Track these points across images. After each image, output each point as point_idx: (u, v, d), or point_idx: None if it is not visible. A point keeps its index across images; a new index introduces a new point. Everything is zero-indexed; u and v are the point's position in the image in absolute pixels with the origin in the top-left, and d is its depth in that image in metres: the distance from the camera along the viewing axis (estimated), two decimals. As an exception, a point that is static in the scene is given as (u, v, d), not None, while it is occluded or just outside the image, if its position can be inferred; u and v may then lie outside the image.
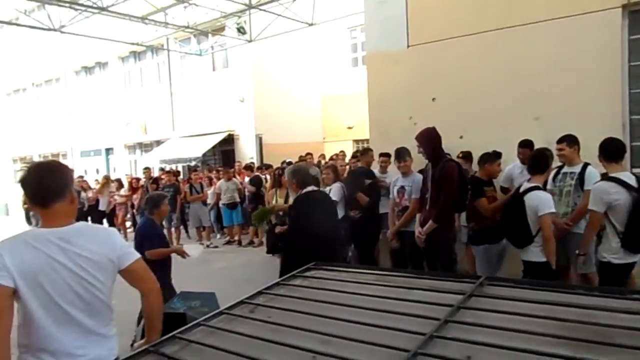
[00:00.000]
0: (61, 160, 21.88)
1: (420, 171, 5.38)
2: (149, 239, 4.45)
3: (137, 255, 2.07)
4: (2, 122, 24.97)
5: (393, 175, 5.90)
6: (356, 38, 17.10)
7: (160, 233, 4.74)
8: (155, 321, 2.08)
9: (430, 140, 4.45)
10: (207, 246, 9.82)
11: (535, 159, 4.03)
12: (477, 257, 4.87)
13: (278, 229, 6.21)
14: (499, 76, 6.60)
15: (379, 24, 7.68)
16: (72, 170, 2.12)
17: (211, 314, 1.87)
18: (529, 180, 3.97)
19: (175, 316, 2.71)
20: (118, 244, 2.01)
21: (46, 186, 1.89)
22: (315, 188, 4.50)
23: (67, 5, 12.59)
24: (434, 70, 7.20)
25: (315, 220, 4.10)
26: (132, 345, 2.87)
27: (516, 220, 3.80)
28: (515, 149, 5.66)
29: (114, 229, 2.10)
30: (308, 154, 11.27)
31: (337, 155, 11.35)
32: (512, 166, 5.66)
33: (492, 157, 4.95)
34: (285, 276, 2.34)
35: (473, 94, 6.89)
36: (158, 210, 4.62)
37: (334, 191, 6.07)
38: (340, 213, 6.05)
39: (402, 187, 5.17)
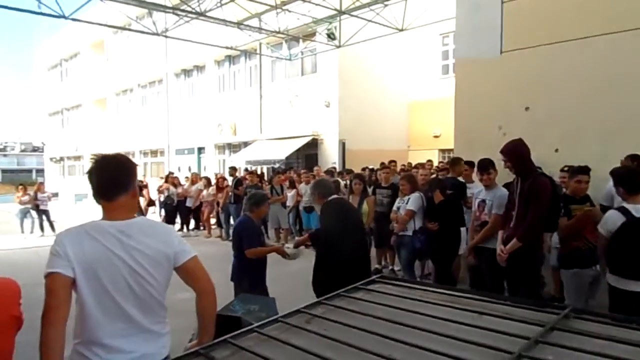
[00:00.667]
0: (158, 157, 23.47)
1: (507, 185, 5.03)
2: (248, 237, 4.41)
3: (193, 252, 2.05)
4: (111, 119, 27.21)
5: (478, 186, 5.58)
6: (448, 45, 16.60)
7: (259, 232, 4.67)
8: (208, 323, 2.05)
9: (518, 152, 4.12)
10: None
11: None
12: (565, 283, 4.45)
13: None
14: (601, 85, 6.05)
15: (471, 30, 7.36)
16: (136, 165, 2.16)
17: (266, 320, 1.82)
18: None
19: (232, 319, 2.70)
20: (175, 241, 2.00)
21: (111, 180, 1.92)
22: (336, 196, 4.47)
23: (170, 11, 13.45)
24: (528, 78, 6.77)
25: (338, 224, 4.17)
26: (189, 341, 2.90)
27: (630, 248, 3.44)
28: (619, 164, 5.09)
29: (172, 227, 2.10)
30: (392, 161, 11.07)
31: (423, 164, 10.99)
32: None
33: (574, 172, 4.50)
34: (347, 287, 2.23)
35: (571, 104, 6.39)
36: (258, 209, 4.58)
37: (412, 201, 5.88)
38: (418, 224, 5.85)
39: (483, 201, 4.84)
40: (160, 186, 13.85)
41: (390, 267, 7.68)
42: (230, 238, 11.16)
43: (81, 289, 1.81)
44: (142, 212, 13.14)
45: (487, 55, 7.12)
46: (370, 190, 7.61)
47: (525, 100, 6.76)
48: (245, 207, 4.73)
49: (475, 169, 5.24)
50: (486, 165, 4.89)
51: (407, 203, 5.94)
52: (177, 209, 13.19)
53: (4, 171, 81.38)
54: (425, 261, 6.56)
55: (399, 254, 6.47)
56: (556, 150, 6.45)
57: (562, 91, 6.48)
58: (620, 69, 5.86)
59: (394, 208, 6.22)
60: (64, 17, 11.41)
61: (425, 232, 5.79)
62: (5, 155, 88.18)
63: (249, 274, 4.45)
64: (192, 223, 13.76)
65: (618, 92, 5.90)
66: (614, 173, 3.91)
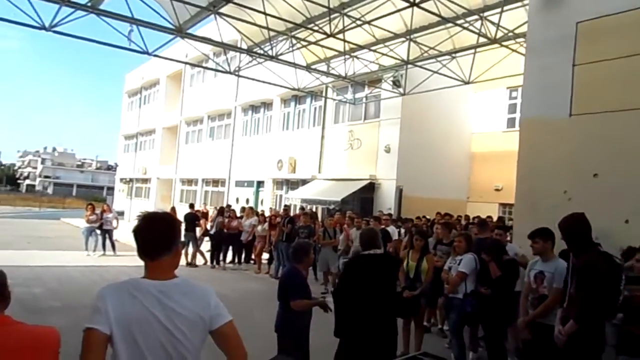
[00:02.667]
0: (219, 187, 24.22)
1: (563, 253, 4.78)
2: (295, 288, 4.35)
3: (229, 317, 2.03)
4: (179, 147, 28.57)
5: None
6: (515, 98, 16.27)
7: (306, 283, 4.54)
8: None
9: (573, 227, 3.90)
10: (331, 292, 9.86)
11: None
12: None
13: (406, 294, 5.96)
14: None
15: (540, 89, 7.21)
16: (180, 223, 2.20)
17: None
18: None
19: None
20: (212, 304, 2.00)
21: (155, 240, 1.97)
22: (374, 251, 4.21)
23: (245, 51, 14.15)
24: (598, 143, 6.50)
25: (353, 286, 4.08)
26: None
27: None
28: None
29: (211, 288, 2.08)
30: (446, 214, 10.80)
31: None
32: None
33: (635, 250, 4.14)
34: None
35: (644, 174, 6.04)
36: (307, 258, 4.57)
37: (465, 262, 5.68)
38: (470, 287, 5.63)
39: (541, 272, 4.58)
40: (212, 217, 14.20)
41: (439, 327, 7.40)
42: (278, 276, 11.31)
43: (116, 346, 1.84)
44: (197, 242, 13.48)
45: (555, 116, 6.92)
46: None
47: (593, 165, 6.47)
48: (292, 257, 4.70)
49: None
50: (532, 234, 4.69)
51: (459, 264, 5.75)
52: (230, 241, 13.45)
53: (79, 186, 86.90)
54: (475, 327, 6.25)
55: (447, 317, 6.24)
56: (626, 222, 6.08)
57: (633, 159, 6.16)
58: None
59: (445, 267, 6.03)
60: (147, 53, 12.30)
61: (477, 296, 5.55)
62: (82, 172, 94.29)
63: (295, 326, 4.41)
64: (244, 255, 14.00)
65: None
66: None
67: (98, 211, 14.82)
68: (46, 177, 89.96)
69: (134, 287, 1.90)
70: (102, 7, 10.60)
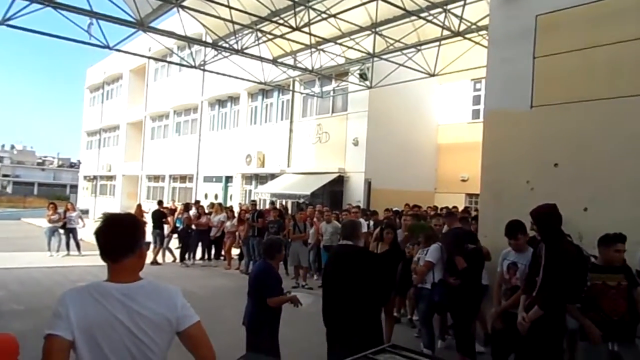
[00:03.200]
0: (187, 183, 23.88)
1: (531, 241, 4.91)
2: (272, 285, 4.38)
3: (197, 318, 2.00)
4: (145, 142, 27.98)
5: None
6: (479, 90, 16.57)
7: (280, 279, 4.58)
8: None
9: (548, 219, 4.01)
10: (302, 286, 9.90)
11: None
12: (580, 356, 4.22)
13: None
14: (633, 146, 5.91)
15: (502, 82, 7.35)
16: (144, 223, 2.18)
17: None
18: None
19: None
20: (179, 304, 1.97)
21: (117, 242, 1.93)
22: (346, 242, 4.27)
23: (210, 45, 13.92)
24: (558, 134, 6.68)
25: (330, 275, 4.30)
26: None
27: None
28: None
29: (177, 289, 2.04)
30: (415, 206, 10.96)
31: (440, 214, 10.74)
32: None
33: (607, 240, 4.21)
34: (356, 357, 2.18)
35: (601, 162, 6.25)
36: (279, 254, 4.60)
37: (431, 252, 5.77)
38: (437, 276, 5.73)
39: (514, 264, 4.69)
40: (179, 213, 14.00)
41: (409, 317, 7.51)
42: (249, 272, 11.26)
43: (80, 352, 1.80)
44: (163, 240, 13.26)
45: (517, 108, 7.07)
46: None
47: (554, 156, 6.65)
48: (263, 253, 4.70)
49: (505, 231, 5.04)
50: (514, 231, 4.72)
51: (426, 254, 5.84)
52: (199, 238, 13.31)
53: (41, 185, 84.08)
54: (444, 316, 6.37)
55: (417, 307, 6.34)
56: (585, 209, 6.28)
57: (592, 149, 6.35)
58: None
59: (415, 259, 6.12)
60: (108, 47, 11.96)
61: (445, 285, 5.65)
62: (43, 170, 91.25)
63: (270, 322, 4.40)
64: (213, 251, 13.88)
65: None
66: None
67: (61, 210, 14.40)
68: (5, 175, 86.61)
69: (96, 290, 1.86)
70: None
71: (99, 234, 1.94)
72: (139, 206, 15.05)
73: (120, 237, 1.94)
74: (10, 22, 10.01)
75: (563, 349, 4.05)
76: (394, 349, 2.29)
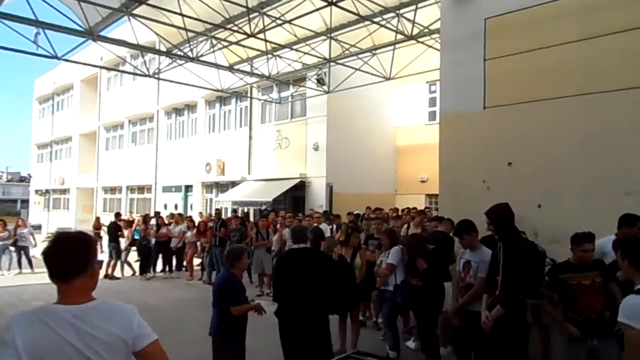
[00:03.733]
0: (145, 194, 23.31)
1: (485, 239, 5.03)
2: (235, 294, 4.39)
3: (154, 336, 1.94)
4: (99, 154, 27.12)
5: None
6: (435, 92, 16.93)
7: (244, 288, 4.60)
8: None
9: (502, 218, 4.11)
10: (267, 294, 9.79)
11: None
12: (561, 351, 4.30)
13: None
14: (581, 144, 6.16)
15: (455, 84, 7.52)
16: (95, 241, 2.09)
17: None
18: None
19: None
20: (135, 324, 1.90)
21: (67, 262, 1.84)
22: (299, 246, 4.60)
23: (164, 54, 13.65)
24: (510, 134, 6.88)
25: (281, 278, 4.59)
26: None
27: None
28: (599, 223, 5.04)
29: (133, 308, 1.97)
30: (377, 208, 11.06)
31: (400, 216, 10.89)
32: (606, 239, 4.73)
33: (576, 240, 4.20)
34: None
35: (552, 160, 6.48)
36: (239, 263, 4.56)
37: (392, 254, 5.83)
38: (399, 278, 5.78)
39: (468, 262, 4.79)
40: (136, 225, 13.63)
41: (374, 320, 7.54)
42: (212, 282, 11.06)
43: None
44: (119, 253, 12.89)
45: (470, 109, 7.24)
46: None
47: (508, 155, 6.84)
48: (225, 262, 4.68)
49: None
50: (458, 231, 4.90)
51: (387, 257, 5.89)
52: (160, 250, 12.97)
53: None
54: (407, 316, 6.44)
55: (380, 309, 6.37)
56: (539, 206, 6.48)
57: (543, 148, 6.57)
58: (598, 128, 5.98)
59: (377, 262, 6.16)
60: (57, 57, 11.55)
61: (407, 286, 5.71)
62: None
63: (234, 331, 4.39)
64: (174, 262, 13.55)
65: (597, 150, 6.00)
66: (622, 243, 3.24)
67: (11, 227, 13.76)
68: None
69: (45, 313, 1.77)
70: (2, 9, 9.81)
71: (48, 253, 1.85)
72: (97, 219, 14.61)
73: (71, 256, 1.86)
74: (-52, 33, 9.50)
75: (526, 344, 4.13)
76: (359, 355, 2.27)
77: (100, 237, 15.31)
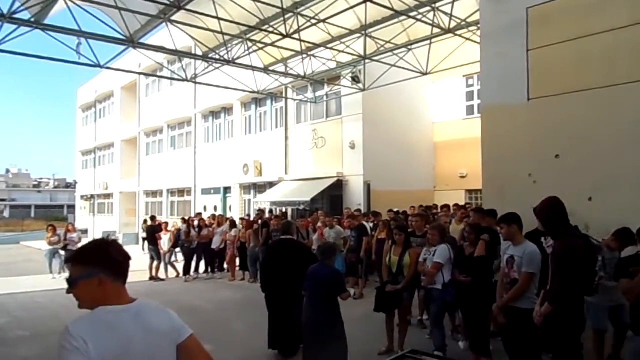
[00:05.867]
0: (185, 196, 23.80)
1: (530, 235, 4.89)
2: (344, 284, 5.07)
3: (191, 330, 1.99)
4: (140, 158, 27.88)
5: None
6: (472, 86, 16.61)
7: None
8: None
9: (550, 212, 3.97)
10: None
11: None
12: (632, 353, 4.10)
13: (389, 288, 5.99)
14: (632, 133, 5.92)
15: (497, 77, 7.35)
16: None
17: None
18: None
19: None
20: (175, 318, 1.97)
21: (128, 265, 1.92)
22: (286, 237, 6.38)
23: (201, 58, 13.89)
24: (557, 125, 6.68)
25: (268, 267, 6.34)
26: None
27: None
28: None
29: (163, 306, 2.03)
30: (421, 206, 10.92)
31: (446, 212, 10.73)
32: None
33: None
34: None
35: (603, 151, 6.25)
36: (333, 257, 5.17)
37: (439, 253, 5.72)
38: (447, 276, 5.68)
39: (512, 257, 4.65)
40: (178, 228, 13.91)
41: (419, 318, 7.45)
42: (257, 281, 11.18)
43: None
44: (159, 255, 13.22)
45: (514, 102, 7.07)
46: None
47: (555, 147, 6.64)
48: (321, 257, 5.14)
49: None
50: (498, 221, 4.87)
51: (433, 255, 5.79)
52: (203, 251, 13.21)
53: (38, 207, 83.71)
54: (455, 315, 6.31)
55: (427, 309, 6.28)
56: (589, 199, 6.27)
57: (593, 138, 6.35)
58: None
59: (420, 259, 6.07)
60: (99, 66, 11.91)
61: (456, 285, 5.60)
62: (39, 192, 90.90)
63: (340, 317, 4.90)
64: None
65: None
66: None
67: (60, 232, 14.29)
68: (1, 200, 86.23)
69: (107, 317, 1.79)
70: (46, 21, 10.19)
71: (116, 251, 1.89)
72: (153, 218, 15.10)
73: (129, 258, 1.94)
74: (0, 47, 9.95)
75: (580, 344, 3.98)
76: (415, 354, 2.23)
77: (145, 239, 15.76)
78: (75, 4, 9.89)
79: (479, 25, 10.97)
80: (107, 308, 1.81)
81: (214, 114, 22.48)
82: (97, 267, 1.83)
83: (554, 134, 6.65)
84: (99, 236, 28.88)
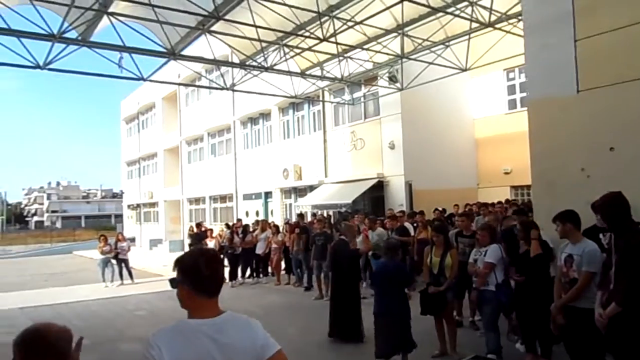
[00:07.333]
0: (227, 202, 24.18)
1: (588, 231, 4.70)
2: (410, 277, 5.87)
3: (278, 346, 1.97)
4: (182, 167, 28.57)
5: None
6: (513, 80, 16.19)
7: None
8: None
9: (611, 208, 3.80)
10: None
11: None
12: None
13: (431, 289, 5.91)
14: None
15: (544, 69, 7.11)
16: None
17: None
18: None
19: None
20: (260, 333, 1.96)
21: (221, 278, 1.95)
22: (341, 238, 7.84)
23: (239, 66, 14.09)
24: (610, 117, 6.39)
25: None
26: None
27: None
28: None
29: (256, 320, 2.03)
30: (467, 204, 10.75)
31: (491, 210, 10.47)
32: None
33: None
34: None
35: (662, 142, 5.93)
36: (399, 253, 5.96)
37: (491, 253, 5.59)
38: (500, 277, 5.54)
39: (570, 256, 4.47)
40: (220, 233, 14.10)
41: (471, 319, 7.30)
42: (304, 285, 11.25)
43: None
44: None
45: (562, 94, 6.82)
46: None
47: (608, 139, 6.36)
48: (387, 254, 5.81)
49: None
50: (553, 218, 4.66)
51: (484, 255, 5.66)
52: (247, 257, 13.38)
53: (87, 217, 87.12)
54: (511, 316, 6.13)
55: (480, 310, 6.14)
56: (649, 192, 5.97)
57: (650, 129, 6.05)
58: None
59: (471, 260, 5.94)
60: (143, 79, 12.31)
61: (510, 285, 5.46)
62: (88, 202, 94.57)
63: (409, 306, 5.58)
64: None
65: None
66: None
67: (111, 241, 14.79)
68: (53, 211, 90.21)
69: (187, 329, 1.85)
70: (92, 38, 10.60)
71: (204, 265, 1.89)
72: (199, 225, 15.41)
73: (219, 272, 1.95)
74: (51, 66, 10.42)
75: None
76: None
77: (190, 246, 16.07)
78: (118, 20, 10.23)
79: (519, 18, 10.77)
80: (187, 321, 1.88)
81: (253, 120, 22.78)
82: (184, 277, 1.91)
83: (607, 126, 6.37)
84: (145, 244, 29.87)
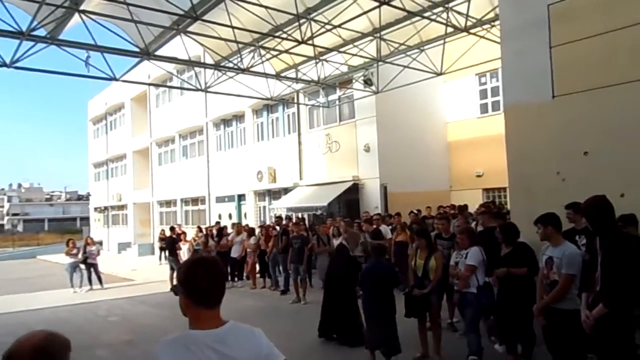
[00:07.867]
0: (199, 205, 23.83)
1: (567, 233, 4.80)
2: (398, 278, 5.90)
3: (282, 356, 1.94)
4: (153, 169, 28.01)
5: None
6: (485, 84, 16.51)
7: None
8: None
9: (596, 210, 3.88)
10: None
11: None
12: None
13: (415, 292, 5.93)
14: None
15: (520, 75, 7.28)
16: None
17: None
18: None
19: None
20: (264, 342, 1.92)
21: (221, 289, 1.87)
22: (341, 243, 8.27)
23: (214, 67, 13.89)
24: (584, 122, 6.59)
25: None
26: None
27: None
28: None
29: (259, 329, 1.98)
30: (440, 206, 10.89)
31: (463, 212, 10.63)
32: None
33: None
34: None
35: (633, 147, 6.15)
36: (386, 254, 6.39)
37: (472, 255, 5.64)
38: (481, 279, 5.60)
39: (550, 258, 4.56)
40: (195, 237, 13.88)
41: (449, 321, 7.36)
42: (280, 288, 11.17)
43: None
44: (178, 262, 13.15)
45: (538, 100, 7.00)
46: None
47: (583, 144, 6.56)
48: (375, 255, 6.03)
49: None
50: (535, 221, 4.70)
51: (465, 257, 5.71)
52: (223, 260, 13.18)
53: (51, 220, 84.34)
54: (490, 317, 6.19)
55: (461, 312, 6.19)
56: (622, 195, 6.15)
57: (622, 134, 6.26)
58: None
59: (452, 263, 5.99)
60: (114, 79, 11.98)
61: (491, 287, 5.52)
62: (51, 205, 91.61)
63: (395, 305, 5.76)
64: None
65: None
66: None
67: (80, 245, 14.36)
68: (14, 214, 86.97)
69: (188, 341, 1.79)
70: (61, 36, 10.27)
71: (202, 276, 1.83)
72: (172, 229, 15.08)
73: (223, 283, 1.89)
74: (18, 64, 10.04)
75: (635, 344, 3.89)
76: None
77: (162, 250, 15.75)
78: (90, 18, 9.94)
79: (493, 23, 10.99)
80: (190, 333, 1.83)
81: (226, 121, 22.53)
82: (182, 288, 1.86)
83: (582, 131, 6.57)
84: (114, 248, 29.15)
